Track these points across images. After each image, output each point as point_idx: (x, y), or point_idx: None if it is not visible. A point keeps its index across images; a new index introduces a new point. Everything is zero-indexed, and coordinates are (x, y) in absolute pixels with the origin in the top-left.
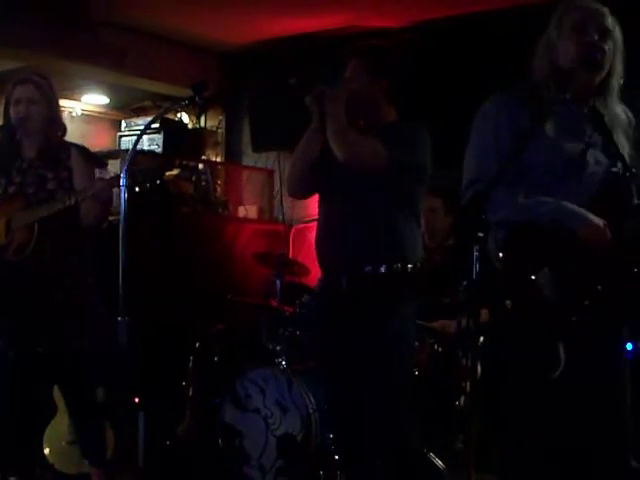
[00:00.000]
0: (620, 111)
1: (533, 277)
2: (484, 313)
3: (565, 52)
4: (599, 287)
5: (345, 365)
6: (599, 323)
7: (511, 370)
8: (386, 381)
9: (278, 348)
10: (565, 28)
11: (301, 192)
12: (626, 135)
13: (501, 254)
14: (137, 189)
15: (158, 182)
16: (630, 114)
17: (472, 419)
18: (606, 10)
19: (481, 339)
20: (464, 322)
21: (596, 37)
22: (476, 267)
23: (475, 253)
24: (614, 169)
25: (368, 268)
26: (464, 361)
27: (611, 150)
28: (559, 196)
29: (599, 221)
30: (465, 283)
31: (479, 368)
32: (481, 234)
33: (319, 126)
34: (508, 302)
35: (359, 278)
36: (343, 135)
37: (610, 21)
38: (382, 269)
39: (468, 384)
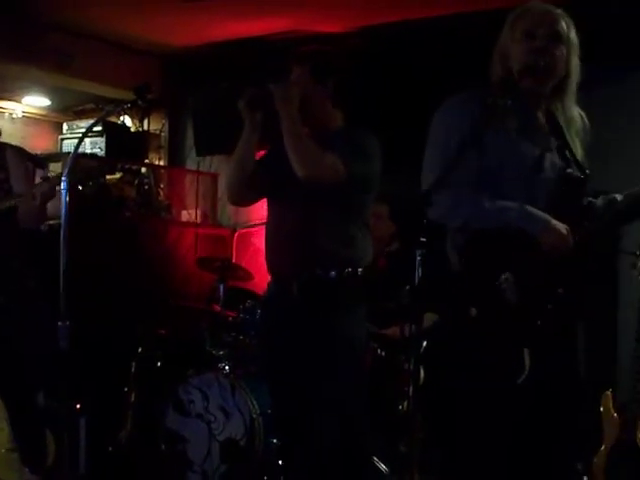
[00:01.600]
0: (576, 115)
1: (496, 282)
2: (428, 317)
3: (515, 57)
4: (561, 290)
5: (295, 370)
6: (560, 326)
7: (474, 375)
8: (336, 386)
9: (221, 353)
10: (516, 33)
11: (243, 200)
12: (580, 139)
13: (463, 259)
14: (80, 187)
15: (100, 180)
16: (585, 118)
17: (415, 423)
18: (559, 13)
19: (424, 344)
20: (407, 327)
21: (545, 42)
22: (419, 272)
23: (418, 258)
24: (569, 171)
25: (319, 272)
26: (407, 365)
27: (566, 154)
28: (518, 201)
29: (562, 226)
30: (408, 288)
31: (422, 372)
32: (424, 239)
33: (252, 134)
34: (473, 309)
35: (310, 283)
36: (304, 149)
37: (563, 24)
38: (333, 274)
39: (411, 388)
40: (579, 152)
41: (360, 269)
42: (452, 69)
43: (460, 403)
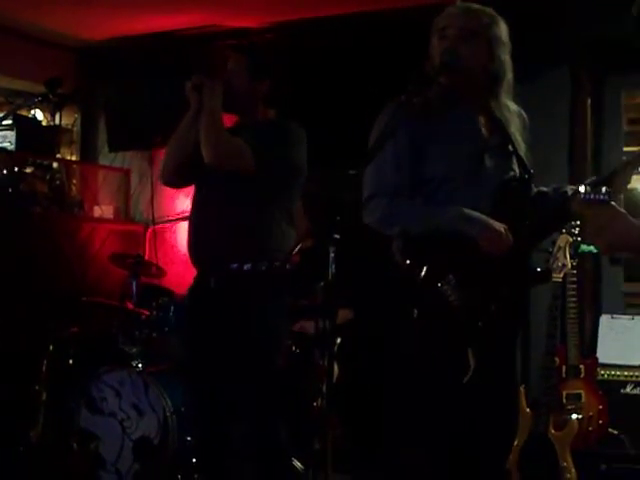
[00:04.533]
0: (514, 111)
1: (438, 284)
2: (342, 314)
3: (434, 57)
4: (503, 290)
5: (212, 365)
6: (502, 326)
7: (418, 376)
8: (253, 382)
9: (134, 350)
10: (433, 34)
11: (175, 182)
12: (521, 136)
13: (405, 262)
14: None
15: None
16: (524, 115)
17: (329, 420)
18: (478, 10)
19: (338, 340)
20: (321, 323)
21: (454, 41)
22: (332, 268)
23: (331, 255)
24: (512, 172)
25: (234, 266)
26: (321, 362)
27: (508, 152)
28: (459, 203)
29: (499, 226)
30: (322, 284)
31: (336, 369)
32: (337, 236)
33: (195, 116)
34: (415, 310)
35: (226, 277)
36: (216, 135)
37: (481, 22)
38: (247, 267)
39: (325, 385)
40: (522, 149)
41: (278, 262)
42: (362, 68)
43: (402, 403)
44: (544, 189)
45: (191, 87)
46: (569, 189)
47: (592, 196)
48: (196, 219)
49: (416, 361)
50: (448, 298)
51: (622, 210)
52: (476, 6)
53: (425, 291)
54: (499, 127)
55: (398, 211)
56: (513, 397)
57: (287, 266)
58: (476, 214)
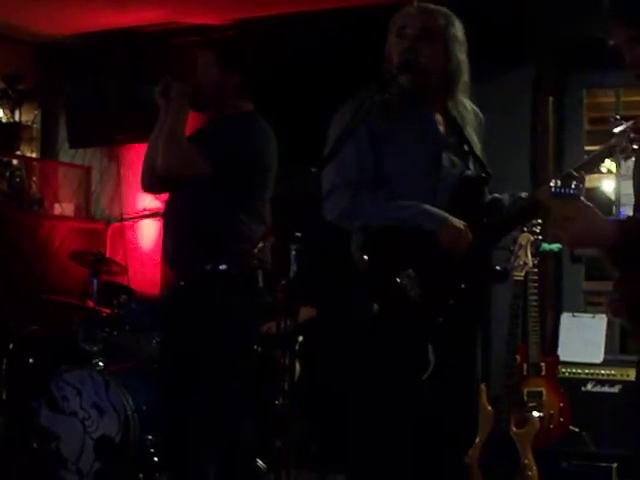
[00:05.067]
0: (470, 110)
1: (398, 279)
2: (304, 312)
3: (393, 55)
4: (463, 286)
5: (184, 365)
6: (462, 323)
7: (378, 372)
8: (220, 382)
9: (95, 349)
10: (392, 33)
11: (154, 188)
12: (477, 135)
13: (365, 257)
14: None
15: None
16: (480, 114)
17: (290, 418)
18: (436, 10)
19: (300, 338)
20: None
21: (413, 41)
22: (294, 266)
23: (293, 252)
24: (469, 171)
25: (201, 267)
26: (283, 360)
27: (465, 151)
28: (417, 200)
29: (459, 223)
30: (284, 282)
31: (298, 367)
32: (299, 234)
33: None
34: (375, 305)
35: (194, 278)
36: (176, 145)
37: (439, 22)
38: (209, 267)
39: (286, 384)
40: (478, 148)
41: (248, 262)
42: (322, 66)
43: (363, 400)
44: (498, 196)
45: (159, 92)
46: (524, 194)
47: (561, 190)
48: (166, 222)
49: (376, 357)
50: (408, 293)
51: (589, 204)
52: (433, 6)
53: (384, 286)
54: (456, 126)
55: (360, 205)
56: (473, 393)
57: (258, 265)
58: (437, 210)
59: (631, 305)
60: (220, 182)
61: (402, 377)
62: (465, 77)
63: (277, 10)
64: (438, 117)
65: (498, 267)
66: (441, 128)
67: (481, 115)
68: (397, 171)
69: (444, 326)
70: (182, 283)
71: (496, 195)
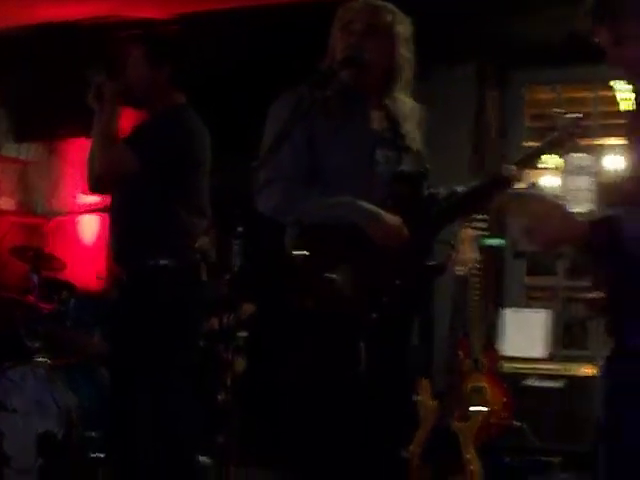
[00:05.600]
0: (412, 107)
1: (332, 275)
2: (246, 307)
3: (337, 50)
4: (397, 282)
5: (126, 359)
6: (395, 319)
7: (310, 367)
8: (164, 375)
9: (37, 345)
10: (338, 27)
11: (99, 188)
12: (418, 132)
13: (298, 253)
14: None
15: None
16: (422, 110)
17: (232, 414)
18: (382, 6)
19: (244, 334)
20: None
21: (360, 37)
22: (236, 261)
23: (235, 247)
24: (405, 167)
25: (150, 262)
26: (226, 356)
27: (401, 147)
28: (353, 194)
29: (392, 219)
30: (227, 277)
31: (243, 363)
32: (241, 229)
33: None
34: (309, 301)
35: (141, 272)
36: (108, 147)
37: (385, 18)
38: (163, 262)
39: (229, 379)
40: (417, 145)
41: (190, 257)
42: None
43: (296, 396)
44: (434, 190)
45: (92, 96)
46: (459, 188)
47: (526, 190)
48: (110, 218)
49: (310, 352)
50: (341, 289)
51: (558, 202)
52: (380, 2)
53: (318, 281)
54: (393, 122)
55: (293, 200)
56: (406, 389)
57: (200, 259)
58: (369, 206)
59: (606, 304)
60: (155, 177)
61: (334, 373)
62: (408, 74)
63: (223, 5)
64: (375, 113)
65: (434, 262)
66: (378, 124)
67: (422, 111)
68: (332, 167)
69: (377, 322)
70: (125, 278)
71: (432, 190)
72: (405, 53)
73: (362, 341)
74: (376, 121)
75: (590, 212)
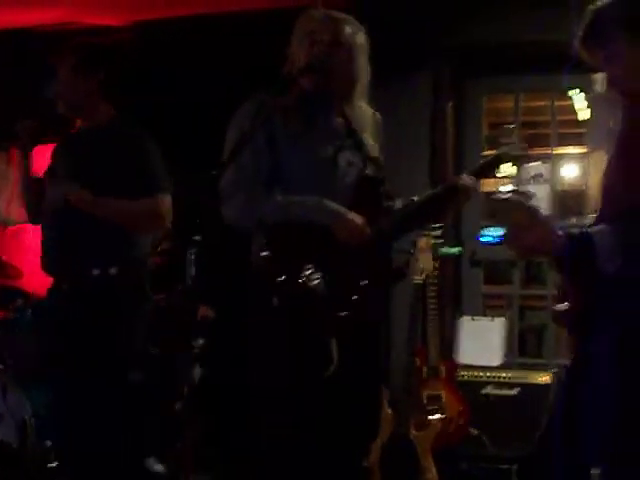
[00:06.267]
0: (368, 114)
1: (300, 274)
2: (202, 312)
3: (298, 59)
4: (365, 282)
5: (72, 370)
6: (365, 319)
7: (280, 368)
8: (108, 386)
9: None
10: (297, 37)
11: (37, 221)
12: (375, 138)
13: (264, 253)
14: None
15: None
16: (379, 116)
17: (189, 422)
18: (343, 19)
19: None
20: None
21: (325, 48)
22: (192, 270)
23: (191, 256)
24: (367, 172)
25: (96, 272)
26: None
27: (362, 152)
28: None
29: (357, 219)
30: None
31: (199, 371)
32: (197, 237)
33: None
34: (275, 300)
35: (85, 281)
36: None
37: (346, 29)
38: (112, 271)
39: (186, 388)
40: (375, 150)
41: (137, 267)
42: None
43: (264, 397)
44: (390, 203)
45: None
46: (415, 198)
47: (511, 194)
48: (46, 228)
49: (278, 352)
50: (309, 286)
51: (541, 211)
52: (341, 14)
53: (286, 280)
54: (352, 129)
55: (256, 205)
56: (376, 393)
57: (142, 269)
58: (333, 205)
59: (573, 318)
60: (100, 190)
61: (303, 372)
62: (365, 82)
63: (178, 12)
64: (336, 120)
65: (395, 266)
66: (338, 130)
67: (380, 118)
68: (295, 171)
69: (347, 321)
70: (65, 287)
71: (389, 203)
72: (362, 62)
73: (332, 340)
74: (338, 128)
75: (574, 224)
